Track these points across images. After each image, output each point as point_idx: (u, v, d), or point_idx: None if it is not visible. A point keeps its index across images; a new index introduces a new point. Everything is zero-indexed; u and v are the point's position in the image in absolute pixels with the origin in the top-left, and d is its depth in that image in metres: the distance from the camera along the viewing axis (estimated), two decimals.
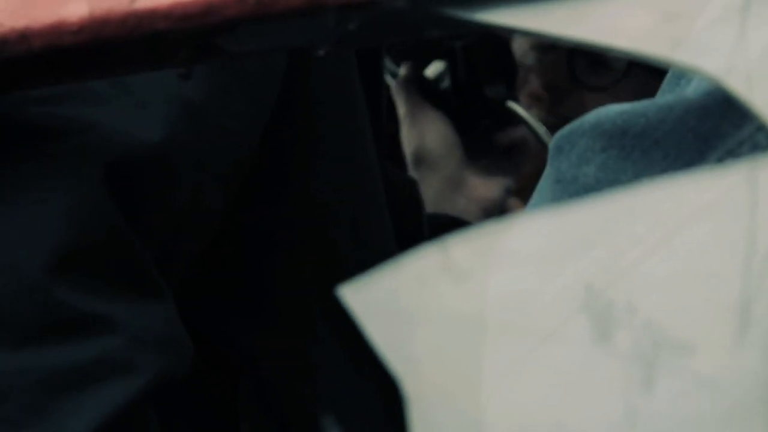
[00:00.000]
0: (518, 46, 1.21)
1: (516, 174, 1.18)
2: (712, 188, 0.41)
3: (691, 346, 0.40)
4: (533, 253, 0.43)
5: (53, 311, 0.65)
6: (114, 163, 0.68)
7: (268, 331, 0.81)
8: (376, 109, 0.97)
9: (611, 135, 0.48)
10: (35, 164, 0.67)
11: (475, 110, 1.15)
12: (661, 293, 0.41)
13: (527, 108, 1.24)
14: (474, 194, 1.16)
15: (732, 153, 0.45)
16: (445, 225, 1.11)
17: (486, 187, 1.16)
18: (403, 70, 1.19)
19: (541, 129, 1.12)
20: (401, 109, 1.18)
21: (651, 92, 0.53)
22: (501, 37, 1.12)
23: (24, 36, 0.57)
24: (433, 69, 1.19)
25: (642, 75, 1.17)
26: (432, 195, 1.14)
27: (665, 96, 0.51)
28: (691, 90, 0.49)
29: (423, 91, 1.17)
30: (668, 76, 0.52)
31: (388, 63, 1.19)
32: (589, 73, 1.22)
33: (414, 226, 1.05)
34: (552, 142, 0.52)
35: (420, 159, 1.16)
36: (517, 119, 1.14)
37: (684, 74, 0.50)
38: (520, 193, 1.29)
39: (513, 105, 1.14)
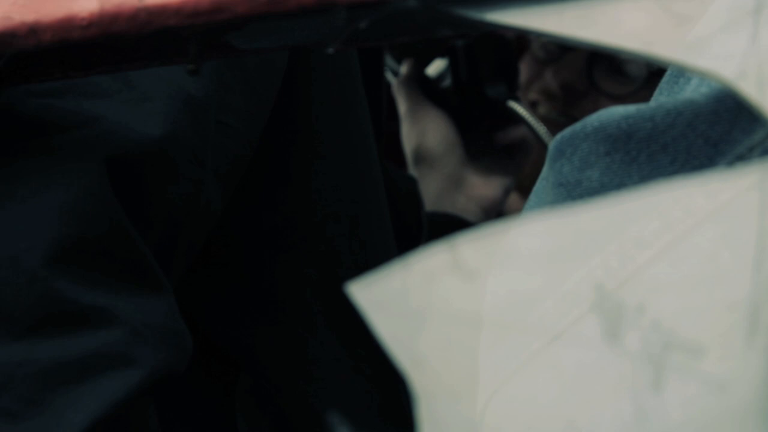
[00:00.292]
0: (532, 39, 1.21)
1: (516, 174, 1.18)
2: (722, 192, 0.41)
3: (701, 348, 0.40)
4: (542, 253, 0.43)
5: (53, 303, 0.65)
6: (115, 156, 0.68)
7: (267, 328, 0.81)
8: (377, 107, 0.97)
9: (616, 139, 0.48)
10: (37, 157, 0.67)
11: (476, 109, 1.15)
12: (671, 295, 0.41)
13: (537, 104, 1.24)
14: (474, 193, 1.15)
15: (742, 158, 0.45)
16: (445, 224, 1.11)
17: (486, 186, 1.16)
18: (404, 68, 1.19)
19: (541, 129, 1.12)
20: (402, 107, 1.18)
21: None
22: (503, 36, 1.12)
23: (33, 30, 0.57)
24: (435, 67, 1.19)
25: None
26: (432, 193, 1.14)
27: (663, 95, 0.51)
28: (692, 90, 0.49)
29: (424, 89, 1.17)
30: (667, 75, 0.52)
31: (390, 60, 1.19)
32: (607, 79, 1.22)
33: (414, 224, 1.05)
34: (552, 144, 0.51)
35: (420, 157, 1.15)
36: (517, 119, 1.14)
37: (683, 73, 0.50)
38: (521, 192, 1.29)
39: (514, 104, 1.13)
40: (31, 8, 0.57)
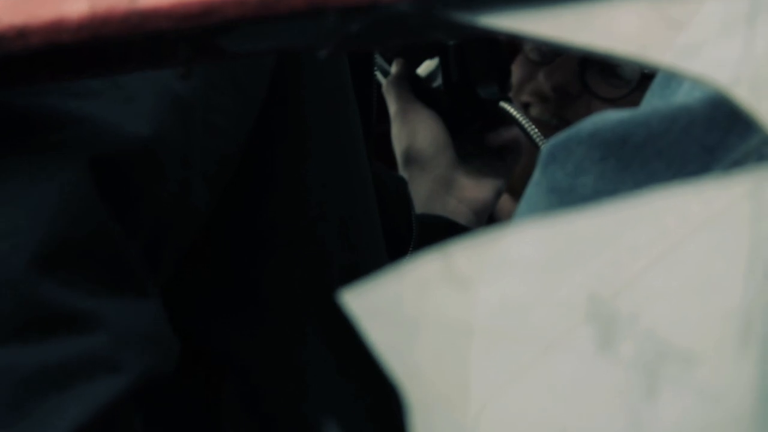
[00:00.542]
0: (525, 41, 1.21)
1: (507, 175, 1.17)
2: (716, 200, 0.41)
3: (695, 358, 0.40)
4: (535, 262, 0.43)
5: (36, 308, 0.65)
6: (101, 157, 0.67)
7: (254, 331, 0.81)
8: (367, 107, 0.96)
9: (610, 144, 0.48)
10: (20, 157, 0.67)
11: (467, 110, 1.15)
12: (665, 304, 0.41)
13: (529, 105, 1.24)
14: (465, 195, 1.15)
15: (738, 164, 0.45)
16: (436, 226, 1.11)
17: (477, 188, 1.15)
18: (394, 68, 1.18)
19: (533, 130, 1.11)
20: (392, 107, 1.17)
21: None
22: (495, 37, 1.11)
23: (22, 33, 0.56)
24: (425, 67, 1.19)
25: None
26: (422, 195, 1.14)
27: (654, 98, 0.51)
28: (684, 94, 0.49)
29: (414, 89, 1.16)
30: (658, 78, 0.52)
31: (380, 60, 1.19)
32: (600, 82, 1.22)
33: (404, 225, 1.05)
34: (544, 149, 0.51)
35: (410, 159, 1.15)
36: (509, 120, 1.13)
37: (674, 77, 0.50)
38: (513, 195, 1.29)
39: (506, 106, 1.13)
40: (20, 10, 0.56)
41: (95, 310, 0.66)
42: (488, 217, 1.18)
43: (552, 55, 1.22)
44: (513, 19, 0.46)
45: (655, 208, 0.42)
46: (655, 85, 0.50)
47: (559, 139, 0.49)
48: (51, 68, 0.59)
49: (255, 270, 0.81)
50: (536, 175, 0.51)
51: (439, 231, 1.10)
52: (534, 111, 1.23)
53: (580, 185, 0.48)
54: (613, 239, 0.42)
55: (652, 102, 0.50)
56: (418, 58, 1.18)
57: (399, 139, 1.16)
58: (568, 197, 0.49)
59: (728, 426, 0.40)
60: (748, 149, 0.45)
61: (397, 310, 0.43)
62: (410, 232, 1.05)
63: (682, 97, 0.48)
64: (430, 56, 1.18)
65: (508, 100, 1.14)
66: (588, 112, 1.20)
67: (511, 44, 1.23)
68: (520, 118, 1.12)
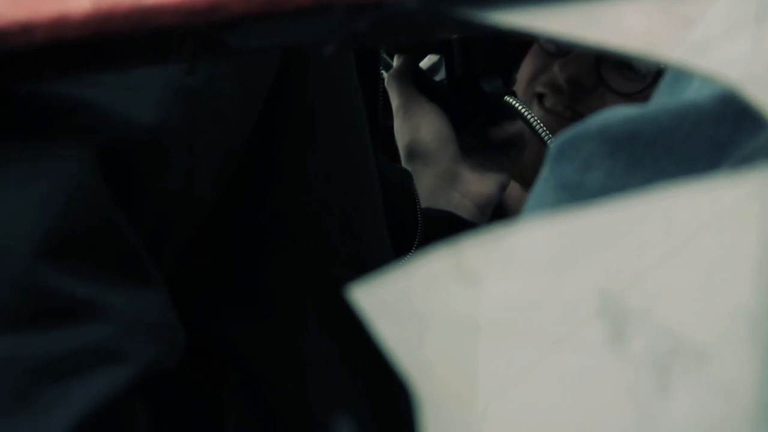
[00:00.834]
0: None
1: (511, 169, 1.17)
2: (726, 196, 0.41)
3: (707, 353, 0.40)
4: (545, 258, 0.43)
5: (42, 297, 0.64)
6: (106, 145, 0.67)
7: (257, 323, 0.80)
8: (372, 101, 0.96)
9: (620, 140, 0.48)
10: (25, 145, 0.66)
11: (471, 104, 1.14)
12: (676, 300, 0.41)
13: (543, 96, 1.23)
14: (469, 190, 1.14)
15: (747, 160, 0.45)
16: (440, 220, 1.10)
17: (481, 182, 1.15)
18: (396, 62, 1.18)
19: (538, 124, 1.11)
20: (395, 101, 1.17)
21: None
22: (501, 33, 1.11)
23: (26, 28, 0.56)
24: (428, 60, 1.18)
25: None
26: (426, 190, 1.13)
27: (664, 95, 0.51)
28: (694, 91, 0.49)
29: (417, 83, 1.16)
30: (667, 75, 0.52)
31: (382, 54, 1.18)
32: (615, 75, 1.21)
33: (408, 219, 1.05)
34: (553, 145, 0.51)
35: (414, 153, 1.14)
36: (513, 114, 1.13)
37: (683, 74, 0.50)
38: (523, 183, 1.28)
39: (510, 99, 1.12)
40: (24, 6, 0.56)
41: (101, 300, 0.65)
42: (494, 209, 1.18)
43: (568, 46, 1.21)
44: (521, 16, 0.46)
45: (664, 204, 0.42)
46: (664, 83, 0.50)
47: (568, 135, 0.49)
48: (55, 64, 0.59)
49: (258, 262, 0.81)
50: (545, 170, 0.51)
51: (443, 225, 1.10)
52: (548, 102, 1.23)
53: (588, 181, 0.48)
54: (622, 235, 0.42)
55: (662, 99, 0.50)
56: (421, 51, 1.18)
57: (402, 133, 1.15)
58: (577, 193, 0.48)
59: (740, 421, 0.40)
60: (757, 145, 0.45)
61: (406, 306, 0.43)
62: (415, 226, 1.05)
63: (691, 94, 0.48)
64: (434, 50, 1.18)
65: (512, 94, 1.13)
66: (602, 105, 1.20)
67: (520, 37, 1.22)
68: (525, 112, 1.11)
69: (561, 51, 1.23)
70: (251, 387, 0.80)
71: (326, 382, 0.82)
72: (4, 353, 0.63)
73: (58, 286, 0.64)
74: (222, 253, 0.80)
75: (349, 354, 0.82)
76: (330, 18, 0.50)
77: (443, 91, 1.15)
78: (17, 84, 0.62)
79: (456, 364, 0.42)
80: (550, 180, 0.50)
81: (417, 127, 1.14)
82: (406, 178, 1.07)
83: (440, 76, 1.18)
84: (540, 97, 1.23)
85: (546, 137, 1.10)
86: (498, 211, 1.21)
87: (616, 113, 0.48)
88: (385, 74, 1.18)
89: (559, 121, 1.16)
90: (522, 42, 1.25)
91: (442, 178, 1.14)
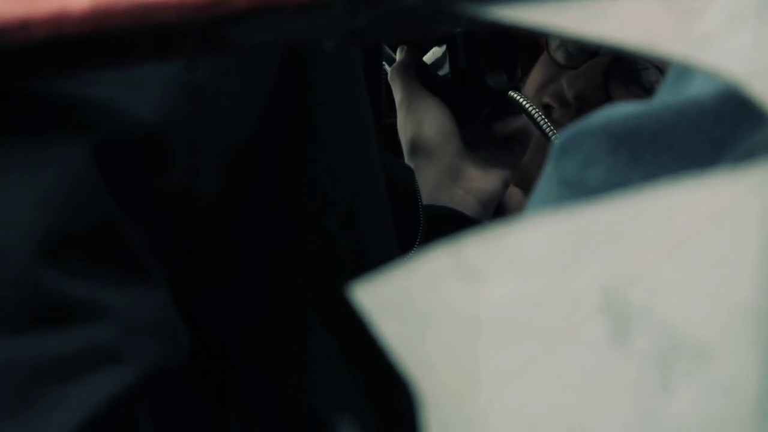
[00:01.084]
0: (551, 41, 1.20)
1: (515, 166, 1.17)
2: (727, 192, 0.41)
3: (709, 350, 0.40)
4: (547, 255, 0.42)
5: (41, 298, 0.64)
6: (107, 142, 0.66)
7: (261, 320, 0.80)
8: (375, 96, 0.96)
9: (621, 137, 0.48)
10: (24, 143, 0.66)
11: (475, 99, 1.14)
12: (678, 297, 0.40)
13: (551, 108, 1.23)
14: (472, 186, 1.14)
15: (748, 156, 0.45)
16: (443, 217, 1.10)
17: (484, 178, 1.14)
18: (399, 55, 1.18)
19: (542, 120, 1.10)
20: (398, 95, 1.16)
21: None
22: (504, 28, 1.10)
23: (24, 25, 0.56)
24: (432, 54, 1.18)
25: None
26: (429, 186, 1.13)
27: (666, 93, 0.51)
28: (696, 88, 0.49)
29: (420, 77, 1.16)
30: (669, 72, 0.52)
31: (385, 48, 1.18)
32: (623, 92, 1.21)
33: (410, 215, 1.04)
34: (555, 142, 0.51)
35: (417, 148, 1.14)
36: (517, 109, 1.12)
37: (686, 72, 0.50)
38: (523, 188, 1.28)
39: (514, 95, 1.12)
40: (22, 2, 0.56)
41: (102, 300, 0.65)
42: (496, 208, 1.18)
43: (578, 58, 1.22)
44: (522, 11, 0.46)
45: (665, 201, 0.41)
46: (667, 80, 0.50)
47: (570, 132, 0.49)
48: (54, 61, 0.59)
49: (261, 259, 0.80)
50: (548, 167, 0.51)
51: (446, 222, 1.09)
52: (555, 114, 1.23)
53: (590, 177, 0.48)
54: (624, 233, 0.42)
55: (664, 96, 0.50)
56: (424, 45, 1.18)
57: (405, 128, 1.15)
58: (578, 189, 0.49)
59: (742, 418, 0.39)
60: (758, 141, 0.45)
61: (408, 304, 0.42)
62: (418, 222, 1.05)
63: (693, 90, 0.48)
64: (438, 44, 1.17)
65: (517, 89, 1.13)
66: None
67: (525, 33, 1.22)
68: (529, 108, 1.11)
69: (570, 63, 1.23)
70: (253, 384, 0.80)
71: (327, 379, 0.82)
72: (4, 355, 0.63)
73: (58, 286, 0.64)
74: (224, 249, 0.79)
75: (350, 351, 0.82)
76: (330, 14, 0.50)
77: (447, 85, 1.15)
78: (16, 81, 0.62)
79: (458, 362, 0.42)
80: (552, 176, 0.50)
81: (420, 122, 1.14)
82: (409, 174, 1.07)
83: (444, 70, 1.17)
84: (547, 109, 1.23)
85: (550, 133, 1.10)
86: (499, 212, 1.21)
87: (618, 110, 0.48)
88: (388, 68, 1.18)
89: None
90: (528, 37, 1.24)
91: (445, 174, 1.14)
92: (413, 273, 0.42)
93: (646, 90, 1.20)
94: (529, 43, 1.25)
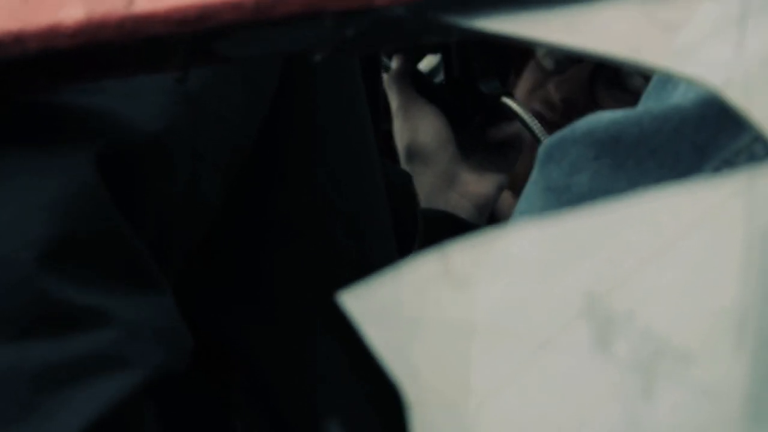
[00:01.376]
0: (538, 48, 1.21)
1: (509, 170, 1.18)
2: (709, 198, 0.41)
3: (691, 355, 0.40)
4: (532, 261, 0.43)
5: (45, 304, 0.64)
6: (109, 151, 0.67)
7: (264, 324, 0.81)
8: (373, 103, 0.96)
9: (604, 143, 0.48)
10: (27, 152, 0.66)
11: (469, 105, 1.15)
12: (660, 302, 0.41)
13: (542, 114, 1.24)
14: (467, 190, 1.15)
15: (728, 162, 0.45)
16: (438, 221, 1.11)
17: (479, 183, 1.15)
18: (395, 63, 1.19)
19: (535, 125, 1.11)
20: (394, 102, 1.17)
21: None
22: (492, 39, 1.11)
23: (19, 38, 0.56)
24: (427, 63, 1.19)
25: None
26: (425, 190, 1.14)
27: (651, 100, 0.52)
28: (680, 96, 0.50)
29: (416, 84, 1.17)
30: (654, 80, 0.53)
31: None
32: (607, 96, 1.22)
33: (408, 220, 1.05)
34: (541, 149, 0.52)
35: (413, 154, 1.15)
36: (511, 115, 1.13)
37: (670, 79, 0.51)
38: (514, 192, 1.29)
39: (508, 101, 1.13)
40: (17, 16, 0.57)
41: (105, 307, 0.65)
42: (490, 212, 1.19)
43: (565, 64, 1.23)
44: (507, 22, 0.46)
45: (648, 206, 0.42)
46: (650, 88, 0.51)
47: (555, 139, 0.50)
48: (48, 73, 0.59)
49: (264, 263, 0.81)
50: (534, 173, 0.52)
51: (442, 226, 1.10)
52: (545, 119, 1.23)
53: (575, 184, 0.49)
54: (607, 238, 0.42)
55: (648, 103, 0.51)
56: (419, 53, 1.19)
57: (401, 134, 1.16)
58: (564, 195, 0.49)
59: (723, 422, 0.40)
60: (738, 148, 0.45)
61: (395, 311, 0.43)
62: (415, 227, 1.06)
63: (676, 98, 0.49)
64: (432, 51, 1.18)
65: (510, 96, 1.14)
66: None
67: (523, 49, 1.23)
68: (522, 113, 1.12)
69: (558, 68, 1.24)
70: (256, 385, 0.80)
71: (329, 381, 0.82)
72: (7, 361, 0.63)
73: (61, 293, 0.64)
74: (227, 252, 0.80)
75: (353, 353, 0.82)
76: (320, 26, 0.50)
77: (442, 92, 1.16)
78: (13, 93, 0.63)
79: (447, 367, 0.43)
80: (538, 182, 0.50)
81: (416, 129, 1.15)
82: (406, 179, 1.07)
83: (439, 78, 1.18)
84: (537, 113, 1.24)
85: (542, 138, 1.11)
86: (493, 216, 1.22)
87: (601, 117, 0.49)
88: (384, 76, 1.19)
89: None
90: (517, 47, 1.25)
91: (441, 179, 1.15)
92: (400, 279, 0.43)
93: (631, 94, 1.21)
94: (521, 49, 1.25)
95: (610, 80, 1.21)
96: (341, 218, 0.84)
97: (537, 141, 1.11)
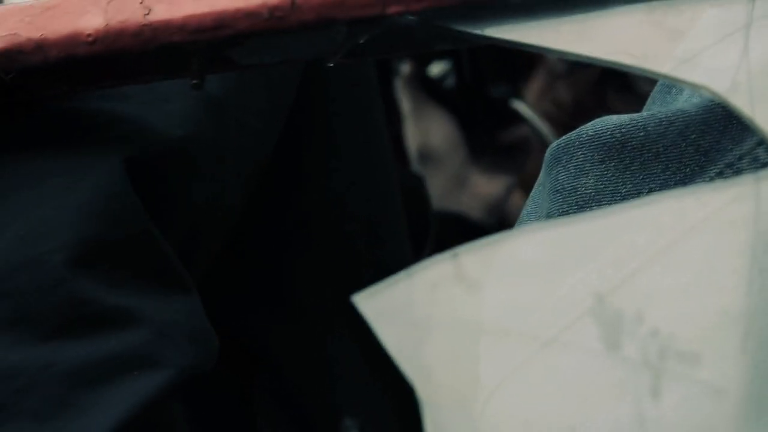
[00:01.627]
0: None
1: (519, 172, 1.19)
2: (712, 201, 0.42)
3: (697, 355, 0.41)
4: (540, 262, 0.44)
5: (77, 305, 0.65)
6: (136, 157, 0.67)
7: (286, 326, 0.82)
8: (388, 107, 0.97)
9: (610, 147, 0.49)
10: (59, 157, 0.67)
11: (479, 109, 1.16)
12: (666, 302, 0.42)
13: (552, 116, 1.25)
14: (477, 192, 1.16)
15: (731, 167, 0.46)
16: (450, 222, 1.12)
17: (489, 185, 1.16)
18: (406, 68, 1.20)
19: (544, 128, 1.12)
20: (405, 106, 1.18)
21: None
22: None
23: (40, 46, 0.58)
24: (438, 67, 1.20)
25: None
26: (436, 192, 1.15)
27: (656, 105, 0.52)
28: (684, 100, 0.50)
29: (427, 88, 1.17)
30: (658, 85, 0.53)
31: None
32: (617, 99, 1.23)
33: (421, 222, 1.06)
34: (548, 152, 0.52)
35: (424, 157, 1.16)
36: (521, 118, 1.14)
37: (675, 84, 0.51)
38: (524, 189, 1.29)
39: (518, 104, 1.14)
40: (38, 25, 0.58)
41: (135, 307, 0.66)
42: (500, 213, 1.19)
43: (574, 66, 1.23)
44: (516, 30, 0.47)
45: (653, 209, 0.43)
46: (656, 93, 0.52)
47: (562, 142, 0.51)
48: (68, 80, 0.60)
49: (285, 266, 0.82)
50: (541, 176, 0.53)
51: (454, 227, 1.11)
52: (555, 121, 1.24)
53: (581, 186, 0.49)
54: (613, 240, 0.43)
55: (654, 107, 0.51)
56: (430, 57, 1.19)
57: (413, 137, 1.17)
58: (570, 197, 0.50)
59: (729, 421, 0.41)
60: (741, 152, 0.46)
61: (408, 312, 0.44)
62: (428, 228, 1.07)
63: (681, 103, 0.49)
64: (443, 56, 1.19)
65: (520, 99, 1.15)
66: None
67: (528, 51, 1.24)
68: (532, 117, 1.13)
69: (567, 72, 1.24)
70: (279, 385, 0.81)
71: (349, 380, 0.83)
72: (42, 360, 0.64)
73: (92, 294, 0.65)
74: (251, 257, 0.81)
75: (370, 353, 0.83)
76: (332, 33, 0.51)
77: (452, 96, 1.17)
78: (32, 98, 0.64)
79: (457, 364, 0.43)
80: (545, 185, 0.51)
81: (427, 132, 1.16)
82: (420, 182, 1.08)
83: (450, 82, 1.19)
84: (547, 116, 1.25)
85: (552, 141, 1.12)
86: (503, 217, 1.22)
87: (607, 121, 0.49)
88: (396, 80, 1.19)
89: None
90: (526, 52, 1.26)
91: (452, 181, 1.16)
92: (412, 281, 0.44)
93: (640, 97, 1.22)
94: (531, 52, 1.26)
95: (619, 83, 1.22)
96: (359, 221, 0.84)
97: (546, 144, 1.12)
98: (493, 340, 0.44)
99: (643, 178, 0.48)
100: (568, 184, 0.50)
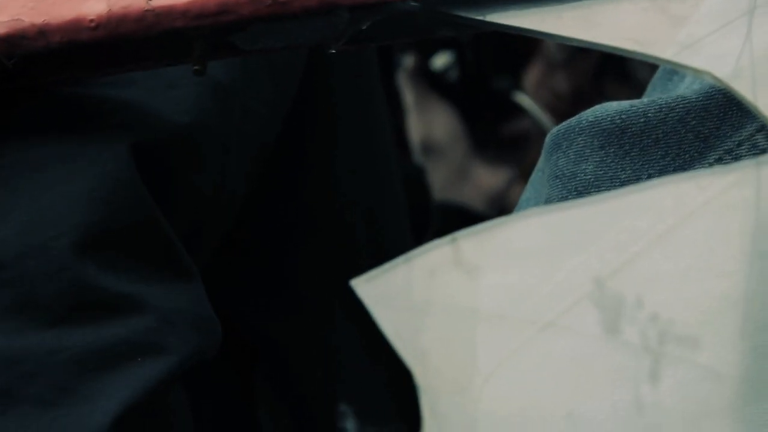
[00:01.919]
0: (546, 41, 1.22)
1: (521, 164, 1.19)
2: (711, 186, 0.42)
3: (696, 339, 0.41)
4: (539, 247, 0.44)
5: (82, 291, 0.65)
6: (142, 143, 0.67)
7: (286, 315, 0.82)
8: (390, 98, 0.97)
9: (610, 133, 0.49)
10: (64, 144, 0.67)
11: (482, 101, 1.16)
12: (665, 287, 0.42)
13: (552, 106, 1.25)
14: (479, 183, 1.16)
15: (731, 153, 0.46)
16: (452, 213, 1.12)
17: (491, 176, 1.17)
18: (410, 61, 1.20)
19: (546, 121, 1.12)
20: (408, 98, 1.18)
21: None
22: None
23: (42, 32, 0.58)
24: (441, 61, 1.20)
25: None
26: (438, 184, 1.15)
27: (657, 91, 0.52)
28: (685, 87, 0.50)
29: (430, 81, 1.18)
30: (659, 71, 0.53)
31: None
32: (616, 87, 1.23)
33: (422, 213, 1.06)
34: (548, 137, 0.52)
35: (427, 148, 1.16)
36: (523, 110, 1.14)
37: (676, 71, 0.51)
38: (525, 182, 1.30)
39: (520, 96, 1.14)
40: (41, 10, 0.58)
41: (140, 294, 0.66)
42: (502, 204, 1.20)
43: (573, 54, 1.23)
44: (518, 16, 0.47)
45: (653, 193, 0.43)
46: (656, 79, 0.52)
47: (562, 128, 0.51)
48: (70, 66, 0.61)
49: (286, 255, 0.82)
50: (541, 161, 0.53)
51: (455, 218, 1.11)
52: (554, 110, 1.24)
53: (581, 172, 0.50)
54: (613, 224, 0.43)
55: (654, 93, 0.52)
56: (432, 49, 1.20)
57: (416, 129, 1.17)
58: (570, 183, 0.50)
59: (728, 404, 0.41)
60: (741, 138, 0.46)
61: (407, 297, 0.44)
62: (429, 219, 1.07)
63: (681, 89, 0.50)
64: (445, 48, 1.19)
65: (522, 91, 1.15)
66: None
67: (529, 42, 1.24)
68: (533, 109, 1.13)
69: (567, 60, 1.24)
70: (280, 374, 0.81)
71: (350, 369, 0.83)
72: (46, 346, 0.64)
73: (98, 280, 0.65)
74: (253, 245, 0.81)
75: (370, 342, 0.83)
76: (335, 19, 0.51)
77: (455, 88, 1.17)
78: (35, 84, 0.64)
79: (454, 351, 0.44)
80: (545, 170, 0.51)
81: (430, 124, 1.16)
82: (421, 173, 1.08)
83: (453, 74, 1.19)
84: (546, 104, 1.25)
85: None
86: (505, 208, 1.23)
87: (607, 107, 0.49)
88: (398, 72, 1.20)
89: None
90: (532, 41, 1.26)
91: (454, 173, 1.16)
92: (411, 266, 0.44)
93: (638, 85, 1.22)
94: (529, 41, 1.26)
95: (618, 72, 1.22)
96: (361, 211, 0.85)
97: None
98: (491, 324, 0.44)
99: (642, 164, 0.48)
100: (568, 169, 0.50)
